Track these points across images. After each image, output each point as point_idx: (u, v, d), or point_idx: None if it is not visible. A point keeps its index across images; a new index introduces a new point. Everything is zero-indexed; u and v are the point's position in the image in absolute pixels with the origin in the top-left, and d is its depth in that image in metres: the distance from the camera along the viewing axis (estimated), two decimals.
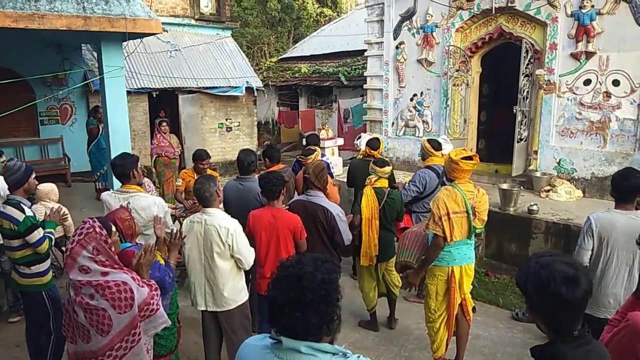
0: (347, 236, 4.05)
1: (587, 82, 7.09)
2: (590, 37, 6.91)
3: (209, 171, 5.58)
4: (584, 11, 6.92)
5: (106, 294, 2.41)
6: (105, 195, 4.06)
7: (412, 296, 5.50)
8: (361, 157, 5.98)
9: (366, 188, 4.57)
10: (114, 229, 2.73)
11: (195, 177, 5.40)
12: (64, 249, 5.38)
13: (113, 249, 2.54)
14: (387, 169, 4.60)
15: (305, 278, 1.44)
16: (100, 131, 8.51)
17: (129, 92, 8.04)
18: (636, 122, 6.72)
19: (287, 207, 4.13)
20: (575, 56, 7.12)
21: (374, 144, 5.63)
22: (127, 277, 2.51)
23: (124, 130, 7.10)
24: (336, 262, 2.02)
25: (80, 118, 10.73)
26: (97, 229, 2.47)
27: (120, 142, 6.89)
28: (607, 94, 6.91)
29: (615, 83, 6.83)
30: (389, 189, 4.62)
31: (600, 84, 6.96)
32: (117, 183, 4.20)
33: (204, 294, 3.59)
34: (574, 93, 7.24)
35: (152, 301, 2.55)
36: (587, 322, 3.12)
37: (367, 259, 4.60)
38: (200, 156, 5.78)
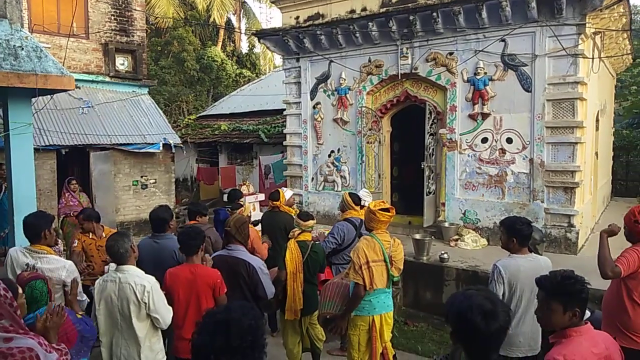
0: (269, 289, 4.04)
1: (485, 140, 7.85)
2: (485, 100, 7.74)
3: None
4: (478, 77, 7.77)
5: None
6: (12, 250, 3.81)
7: (335, 350, 5.50)
8: (269, 209, 6.14)
9: (290, 242, 4.62)
10: (20, 290, 2.55)
11: (90, 237, 5.24)
12: None
13: (19, 312, 2.37)
14: (311, 222, 4.71)
15: (233, 323, 1.47)
16: (3, 191, 7.91)
17: (36, 150, 7.57)
18: (529, 175, 7.49)
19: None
20: (472, 117, 7.91)
21: (273, 195, 5.94)
22: (33, 342, 2.33)
23: (29, 190, 6.64)
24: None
25: None
26: (2, 292, 2.30)
27: (25, 202, 6.42)
28: (503, 151, 7.68)
29: (509, 141, 7.63)
30: (312, 242, 4.72)
31: (496, 141, 7.74)
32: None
33: (119, 358, 3.38)
34: (473, 150, 7.96)
35: None
36: None
37: (292, 313, 4.57)
38: (90, 217, 5.37)
